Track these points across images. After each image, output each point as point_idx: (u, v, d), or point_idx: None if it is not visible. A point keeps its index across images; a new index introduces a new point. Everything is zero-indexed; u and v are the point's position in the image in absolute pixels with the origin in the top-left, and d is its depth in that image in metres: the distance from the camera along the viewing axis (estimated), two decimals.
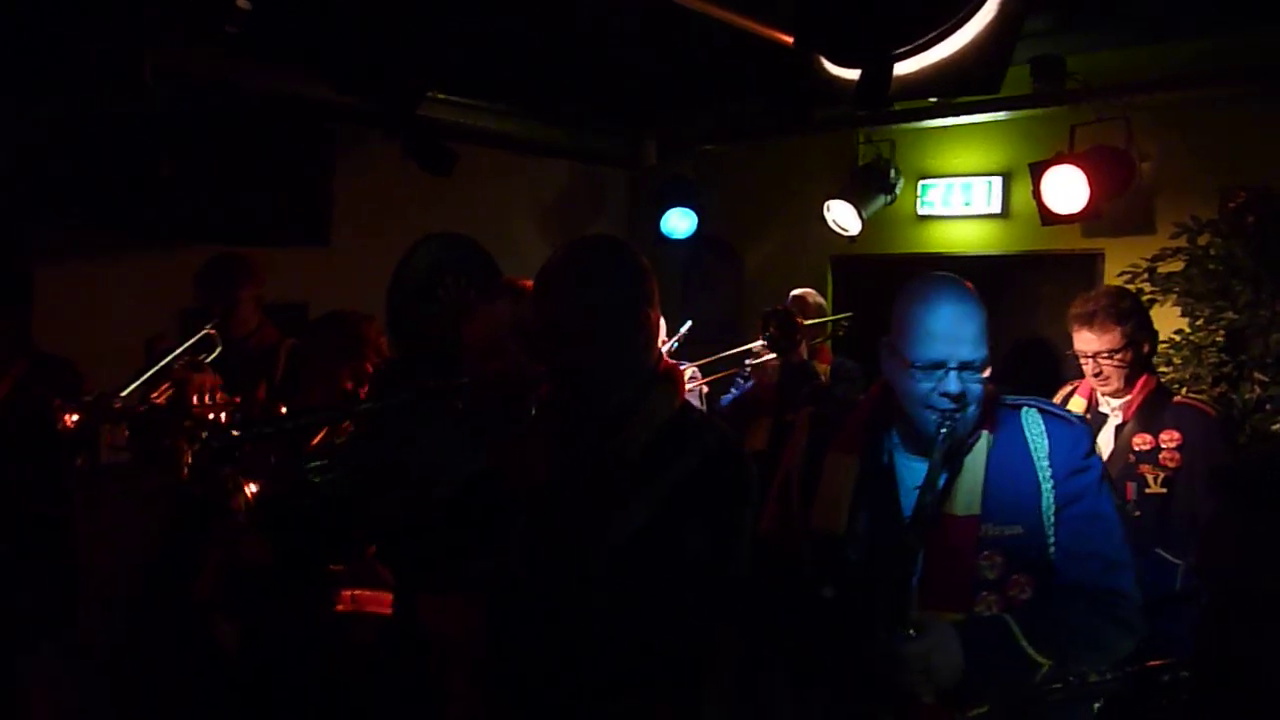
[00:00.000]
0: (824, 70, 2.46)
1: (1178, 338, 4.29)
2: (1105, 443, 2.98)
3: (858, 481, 1.89)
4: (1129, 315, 2.96)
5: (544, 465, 1.71)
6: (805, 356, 4.12)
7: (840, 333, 4.90)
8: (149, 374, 3.01)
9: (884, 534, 1.79)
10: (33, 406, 2.87)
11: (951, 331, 1.79)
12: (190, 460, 2.03)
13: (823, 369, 4.34)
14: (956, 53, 2.21)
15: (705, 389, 4.58)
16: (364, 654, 2.52)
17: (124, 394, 2.88)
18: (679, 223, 5.84)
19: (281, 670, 2.55)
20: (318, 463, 1.87)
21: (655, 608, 1.56)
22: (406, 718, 2.71)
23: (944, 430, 1.76)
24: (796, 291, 4.68)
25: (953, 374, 1.79)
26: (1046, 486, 1.81)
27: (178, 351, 3.11)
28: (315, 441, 2.65)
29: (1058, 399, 3.20)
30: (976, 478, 1.82)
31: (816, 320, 4.43)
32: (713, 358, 4.48)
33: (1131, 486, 2.85)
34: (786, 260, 5.87)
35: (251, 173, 4.31)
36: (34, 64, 2.82)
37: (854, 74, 2.32)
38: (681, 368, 4.46)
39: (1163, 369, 4.11)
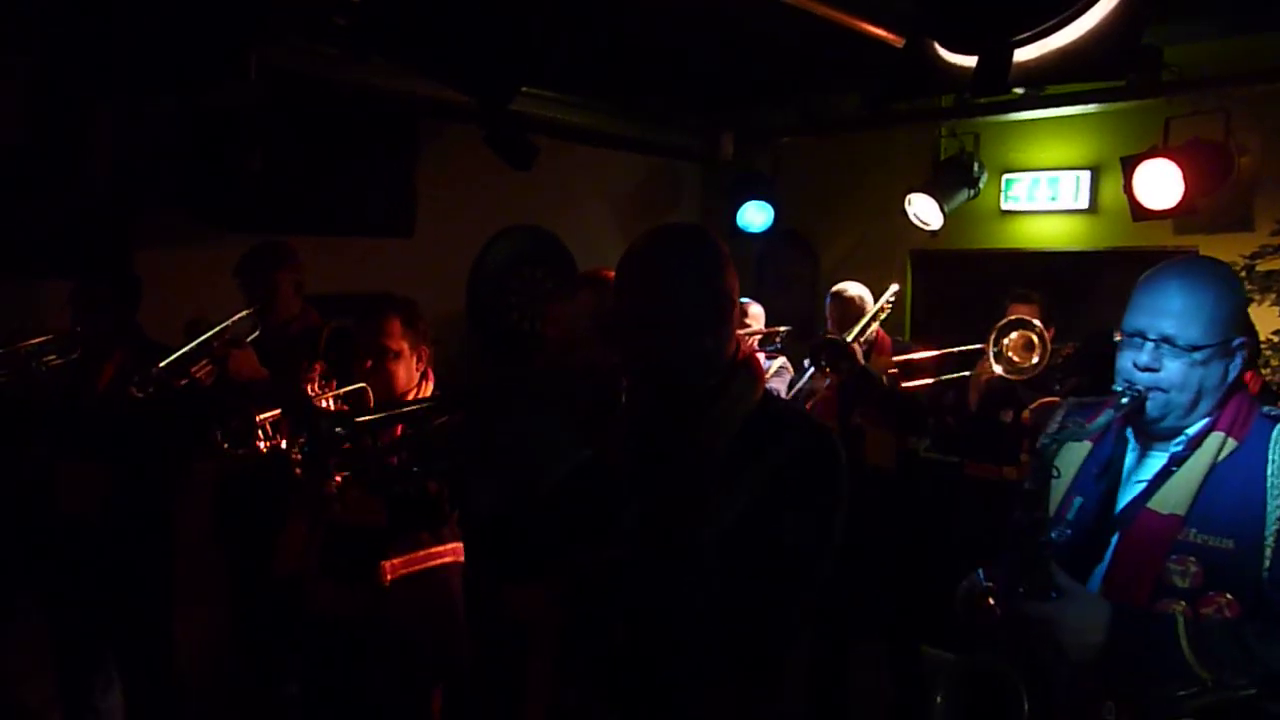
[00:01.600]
0: (938, 58, 2.41)
1: (1276, 338, 4.15)
2: None
3: (1083, 464, 1.86)
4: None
5: (632, 455, 1.70)
6: (862, 362, 3.97)
7: (885, 310, 4.45)
8: (186, 350, 3.04)
9: (1093, 519, 1.76)
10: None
11: (1159, 304, 1.74)
12: (300, 450, 2.08)
13: (886, 361, 4.15)
14: (1080, 38, 2.14)
15: (791, 373, 4.55)
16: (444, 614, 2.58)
17: (160, 366, 2.94)
18: (755, 216, 5.79)
19: (405, 627, 2.60)
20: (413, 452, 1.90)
21: (751, 597, 1.55)
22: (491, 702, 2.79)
23: (1126, 398, 1.71)
24: (835, 289, 4.38)
25: (1149, 345, 1.73)
26: (1274, 507, 1.67)
27: (216, 330, 3.14)
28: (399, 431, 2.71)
29: None
30: (1194, 479, 1.72)
31: (861, 324, 4.12)
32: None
33: None
34: (863, 254, 5.81)
35: (339, 165, 4.43)
36: (144, 60, 2.90)
37: (970, 61, 2.27)
38: (773, 359, 4.54)
39: (1261, 370, 3.93)
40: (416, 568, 2.65)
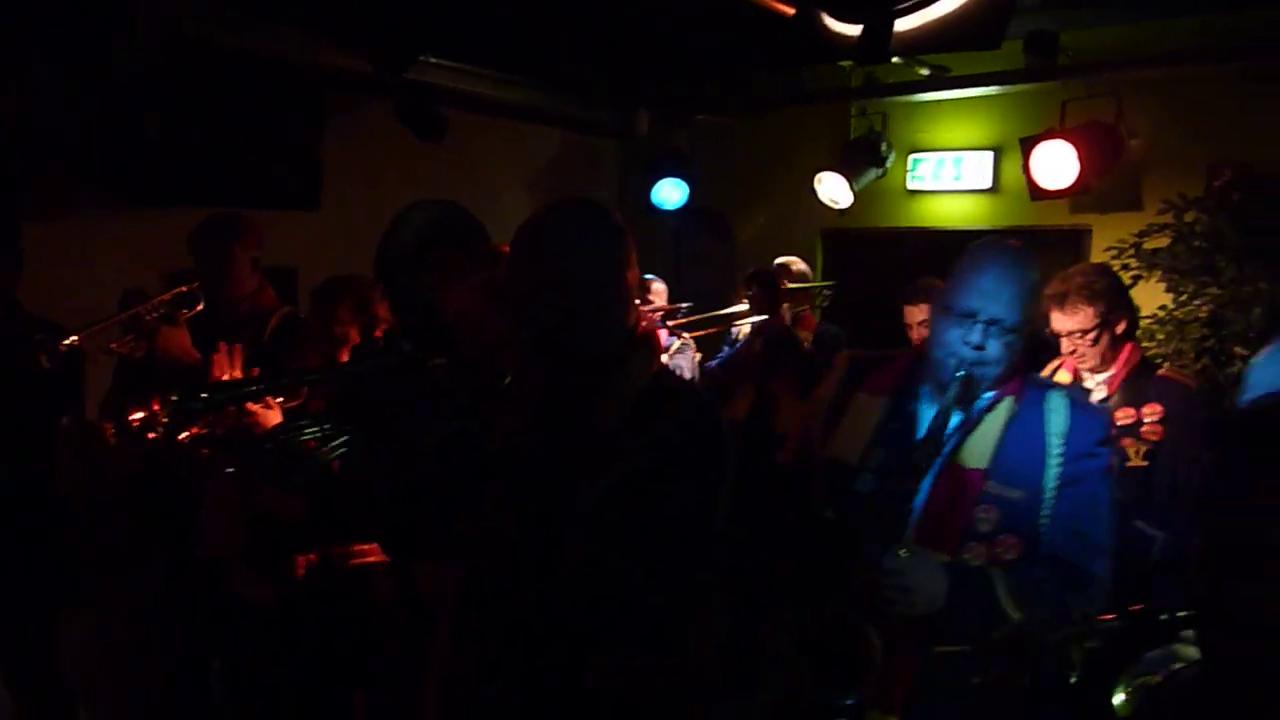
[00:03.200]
0: (826, 27, 2.46)
1: (1162, 313, 4.31)
2: None
3: (881, 419, 2.01)
4: (1101, 295, 2.96)
5: (523, 429, 1.69)
6: (788, 322, 4.12)
7: (824, 304, 4.90)
8: (114, 319, 2.92)
9: (895, 470, 1.90)
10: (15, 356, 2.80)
11: (989, 288, 1.90)
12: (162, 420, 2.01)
13: (806, 336, 4.33)
14: (958, 8, 2.22)
15: (698, 356, 4.63)
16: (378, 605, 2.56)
17: (81, 335, 2.83)
18: (671, 193, 5.81)
19: (318, 622, 2.56)
20: (308, 426, 1.86)
21: (630, 569, 1.56)
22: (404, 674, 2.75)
23: (960, 373, 1.89)
24: (781, 260, 4.67)
25: (979, 326, 1.90)
26: (1054, 461, 1.90)
27: (153, 303, 3.00)
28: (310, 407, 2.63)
29: (1045, 374, 3.22)
30: (991, 437, 1.92)
31: (799, 285, 4.44)
32: (699, 316, 4.52)
33: (1114, 461, 2.85)
34: (778, 232, 5.84)
35: (241, 134, 4.28)
36: (26, 21, 2.75)
37: (855, 30, 2.32)
38: (677, 336, 4.55)
39: (1146, 344, 4.13)
40: (337, 565, 2.60)
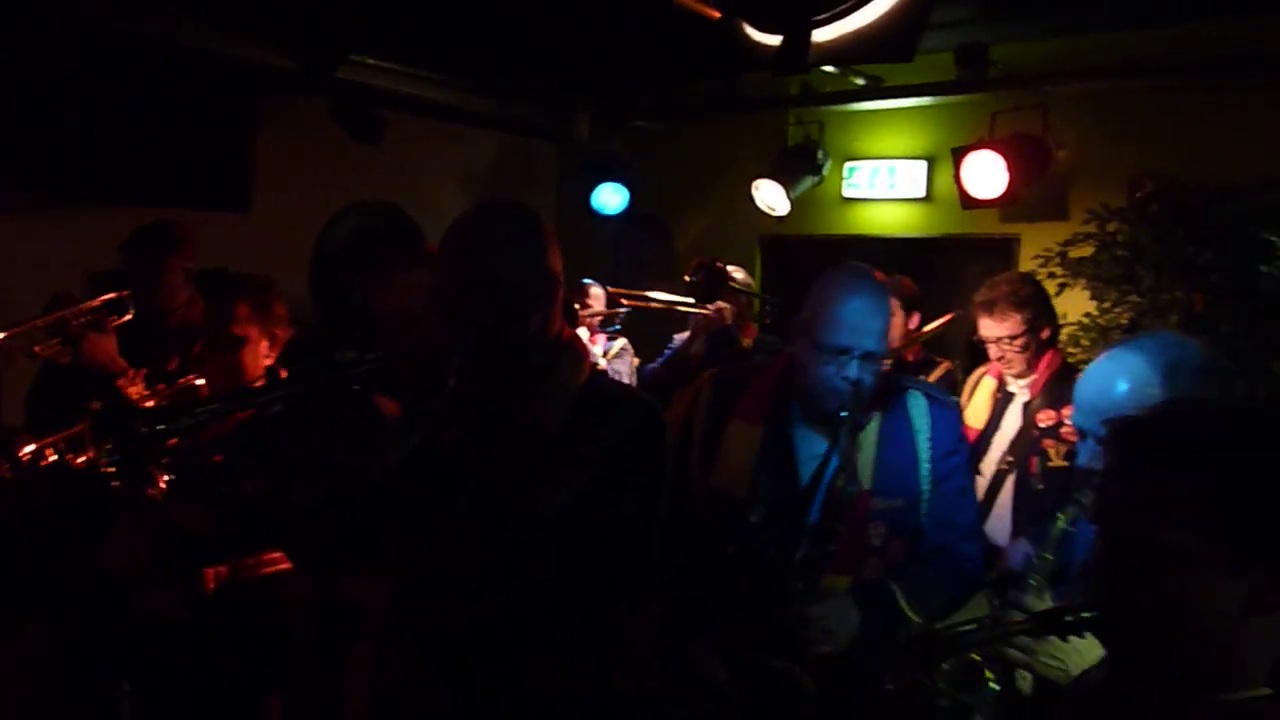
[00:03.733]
0: (747, 37, 2.49)
1: (1086, 320, 4.39)
2: (1013, 420, 3.07)
3: (761, 449, 2.00)
4: (1027, 303, 3.02)
5: (464, 437, 1.67)
6: (729, 322, 4.08)
7: (767, 319, 4.79)
8: (39, 321, 2.83)
9: (783, 499, 1.89)
10: None
11: (861, 323, 1.93)
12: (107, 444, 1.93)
13: (746, 344, 4.30)
14: (873, 21, 2.27)
15: (636, 361, 4.60)
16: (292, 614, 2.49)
17: (2, 335, 2.74)
18: (610, 198, 5.84)
19: (233, 635, 2.50)
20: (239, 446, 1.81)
21: (588, 576, 1.58)
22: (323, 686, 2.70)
23: (845, 414, 1.89)
24: (724, 266, 4.58)
25: (855, 362, 1.93)
26: (925, 463, 1.99)
27: (81, 308, 2.92)
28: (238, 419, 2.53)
29: (973, 379, 3.31)
30: (868, 455, 1.97)
31: (741, 288, 4.36)
32: (640, 295, 4.52)
33: (1035, 460, 2.93)
34: (716, 238, 5.84)
35: (168, 133, 4.16)
36: None
37: (775, 40, 2.35)
38: (613, 340, 4.55)
39: (1071, 350, 4.23)
40: (246, 575, 2.53)
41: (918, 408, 2.03)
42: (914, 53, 2.34)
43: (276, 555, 2.55)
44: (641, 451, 1.65)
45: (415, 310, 2.16)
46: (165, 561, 2.50)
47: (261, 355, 2.60)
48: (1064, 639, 1.35)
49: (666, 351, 4.54)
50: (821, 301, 1.97)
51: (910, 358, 3.89)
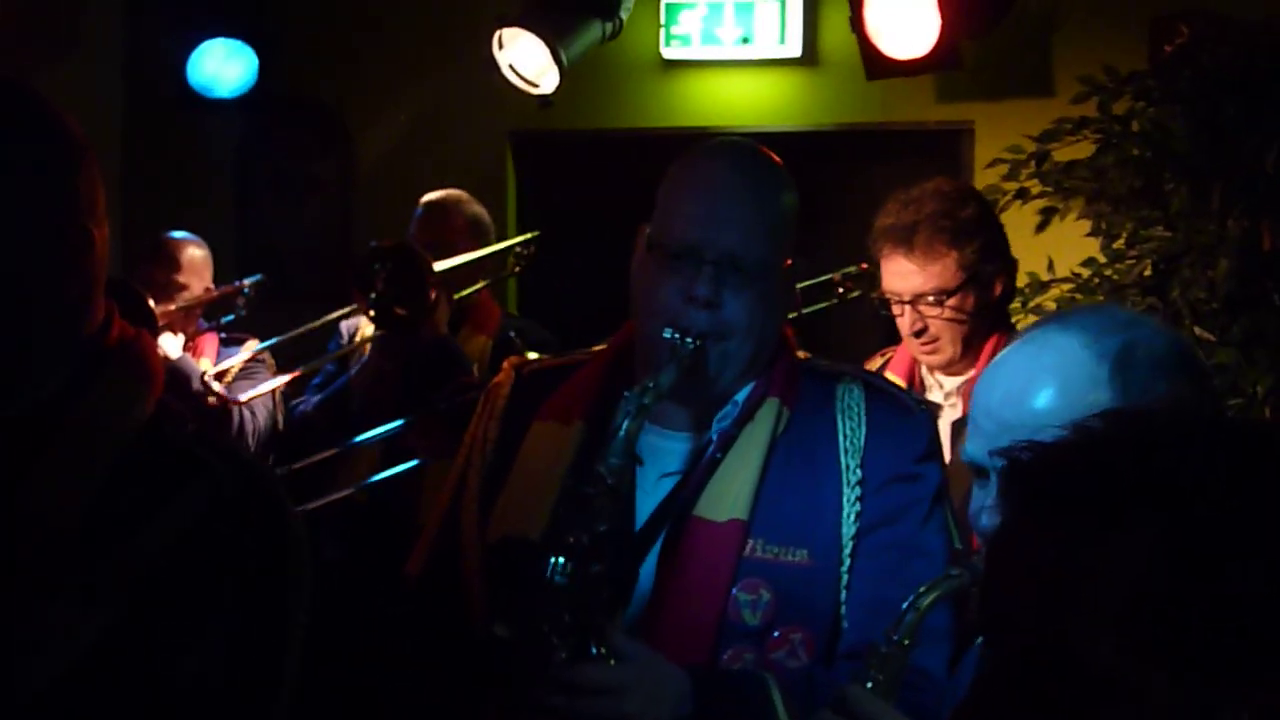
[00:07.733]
0: None
1: (1086, 271, 3.37)
2: None
3: (574, 460, 1.51)
4: (969, 232, 2.40)
5: None
6: (444, 329, 3.15)
7: (518, 268, 3.64)
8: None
9: (598, 544, 1.42)
10: None
11: (716, 210, 1.47)
12: None
13: (481, 344, 3.30)
14: None
15: (283, 383, 3.47)
16: None
17: None
18: (224, 67, 4.23)
19: None
20: None
21: None
22: None
23: (690, 342, 1.41)
24: (431, 197, 3.50)
25: (708, 270, 1.44)
26: (850, 496, 1.48)
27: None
28: None
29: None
30: (750, 468, 1.47)
31: (467, 257, 3.26)
32: (294, 332, 3.43)
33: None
34: (429, 139, 4.45)
35: None
36: None
37: None
38: (233, 345, 3.78)
39: None
40: None
41: (852, 406, 1.51)
42: None
43: None
44: (226, 552, 1.14)
45: None
46: None
47: None
48: None
49: (328, 369, 3.50)
50: (667, 189, 1.52)
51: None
